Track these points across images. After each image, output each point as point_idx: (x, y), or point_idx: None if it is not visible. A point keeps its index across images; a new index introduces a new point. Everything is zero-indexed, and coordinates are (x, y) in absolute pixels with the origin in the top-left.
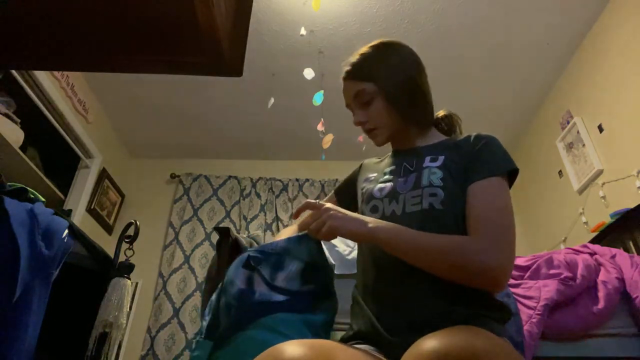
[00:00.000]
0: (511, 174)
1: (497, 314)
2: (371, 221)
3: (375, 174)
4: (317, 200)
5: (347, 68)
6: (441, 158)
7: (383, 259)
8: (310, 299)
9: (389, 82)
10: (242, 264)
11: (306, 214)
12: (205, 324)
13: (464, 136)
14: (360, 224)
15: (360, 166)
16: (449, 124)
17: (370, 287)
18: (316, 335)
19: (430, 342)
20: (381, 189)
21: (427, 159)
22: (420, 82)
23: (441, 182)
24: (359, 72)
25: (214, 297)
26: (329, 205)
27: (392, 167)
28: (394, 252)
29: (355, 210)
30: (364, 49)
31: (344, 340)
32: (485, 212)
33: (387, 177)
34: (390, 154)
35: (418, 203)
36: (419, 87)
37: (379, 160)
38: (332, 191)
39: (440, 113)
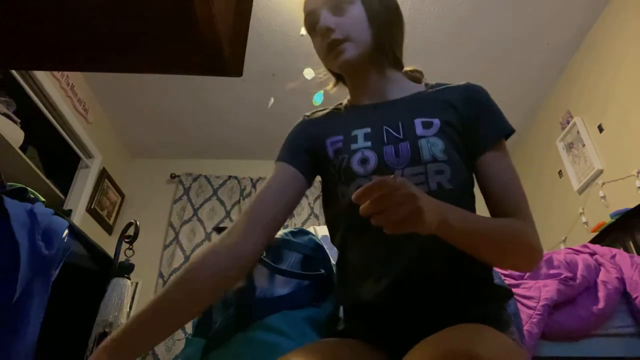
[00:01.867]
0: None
1: (498, 294)
2: (433, 200)
3: (340, 136)
4: (391, 176)
5: None
6: (436, 123)
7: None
8: (313, 290)
9: None
10: None
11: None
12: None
13: (445, 86)
14: (435, 211)
15: (303, 123)
16: (415, 79)
17: (369, 268)
18: (321, 331)
19: (427, 348)
20: (363, 162)
21: (418, 122)
22: (401, 15)
23: (445, 155)
24: None
25: None
26: (406, 183)
27: (367, 130)
28: (460, 243)
29: (325, 190)
30: None
31: (341, 333)
32: (513, 192)
33: (362, 144)
34: (345, 107)
35: (423, 182)
36: (399, 16)
37: (328, 112)
38: (275, 165)
39: (408, 68)
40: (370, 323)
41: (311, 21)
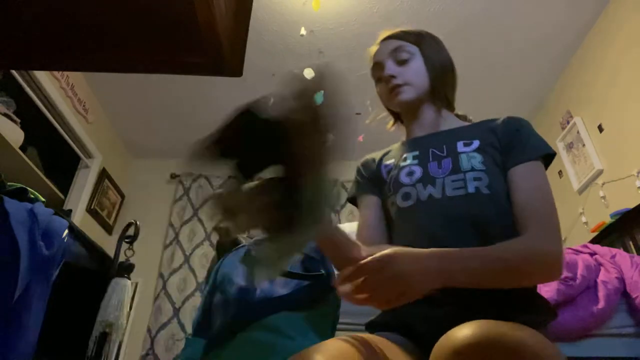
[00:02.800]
0: (547, 159)
1: (545, 316)
2: (432, 260)
3: (392, 161)
4: (368, 258)
5: (393, 30)
6: (475, 142)
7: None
8: (313, 290)
9: (431, 50)
10: (240, 260)
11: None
12: (194, 321)
13: (490, 118)
14: (429, 274)
15: (361, 165)
16: (463, 119)
17: None
18: (322, 331)
19: (466, 330)
20: (410, 174)
21: (460, 143)
22: (454, 67)
23: (483, 166)
24: (403, 34)
25: (205, 293)
26: (390, 263)
27: (416, 153)
28: (470, 284)
29: (384, 208)
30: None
31: (371, 326)
32: (535, 199)
33: (410, 162)
34: (400, 143)
35: (462, 187)
36: (452, 68)
37: (384, 152)
38: (358, 200)
39: (459, 112)
40: (409, 317)
41: (377, 70)
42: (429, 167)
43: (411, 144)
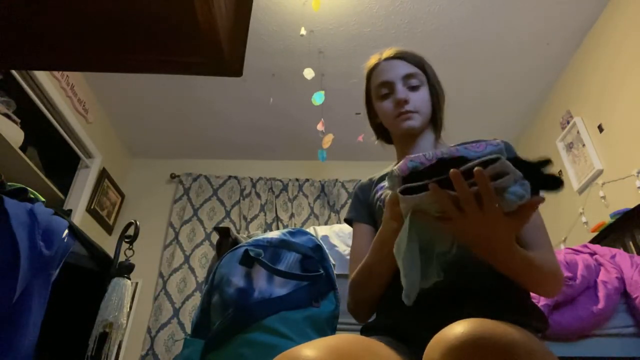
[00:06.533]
0: None
1: (539, 324)
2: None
3: (384, 183)
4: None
5: (399, 49)
6: None
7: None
8: (312, 290)
9: (434, 80)
10: (239, 260)
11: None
12: (193, 321)
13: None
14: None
15: (358, 188)
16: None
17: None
18: (321, 331)
19: (459, 327)
20: None
21: None
22: (444, 96)
23: None
24: (412, 58)
25: (204, 293)
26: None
27: None
28: (496, 262)
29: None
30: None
31: (365, 330)
32: (533, 228)
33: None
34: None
35: None
36: (444, 99)
37: (382, 175)
38: (353, 224)
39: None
40: (401, 320)
41: (385, 88)
42: None
43: None
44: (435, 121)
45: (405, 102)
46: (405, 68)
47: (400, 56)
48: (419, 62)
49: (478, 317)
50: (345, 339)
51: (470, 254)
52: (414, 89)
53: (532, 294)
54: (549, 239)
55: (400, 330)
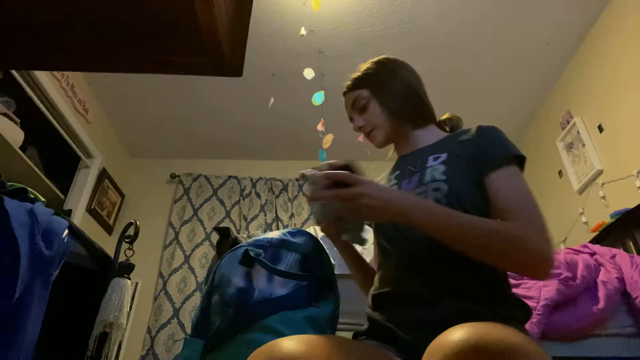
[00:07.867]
0: (520, 162)
1: (519, 314)
2: (405, 200)
3: (384, 182)
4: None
5: (347, 82)
6: (443, 155)
7: (406, 246)
8: (312, 290)
9: (381, 86)
10: (239, 260)
11: None
12: (193, 321)
13: (464, 129)
14: (392, 204)
15: None
16: (451, 125)
17: (387, 278)
18: (321, 331)
19: (458, 333)
20: None
21: (430, 158)
22: (412, 84)
23: (444, 175)
24: (355, 82)
25: (204, 293)
26: (366, 181)
27: (397, 172)
28: (431, 233)
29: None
30: (361, 65)
31: (355, 335)
32: (516, 200)
33: (393, 181)
34: (394, 163)
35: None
36: (410, 88)
37: (385, 174)
38: None
39: (443, 116)
40: (393, 325)
41: (351, 120)
42: (402, 184)
43: (396, 164)
44: (412, 115)
45: (360, 128)
46: (350, 98)
47: (346, 90)
48: (359, 83)
49: (455, 314)
50: (327, 337)
51: (443, 256)
52: (362, 110)
53: (524, 293)
54: (534, 209)
55: (381, 333)
